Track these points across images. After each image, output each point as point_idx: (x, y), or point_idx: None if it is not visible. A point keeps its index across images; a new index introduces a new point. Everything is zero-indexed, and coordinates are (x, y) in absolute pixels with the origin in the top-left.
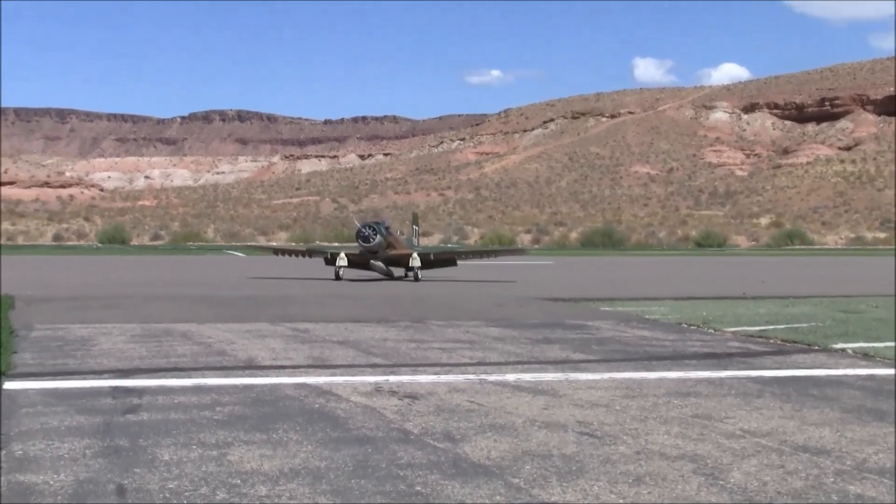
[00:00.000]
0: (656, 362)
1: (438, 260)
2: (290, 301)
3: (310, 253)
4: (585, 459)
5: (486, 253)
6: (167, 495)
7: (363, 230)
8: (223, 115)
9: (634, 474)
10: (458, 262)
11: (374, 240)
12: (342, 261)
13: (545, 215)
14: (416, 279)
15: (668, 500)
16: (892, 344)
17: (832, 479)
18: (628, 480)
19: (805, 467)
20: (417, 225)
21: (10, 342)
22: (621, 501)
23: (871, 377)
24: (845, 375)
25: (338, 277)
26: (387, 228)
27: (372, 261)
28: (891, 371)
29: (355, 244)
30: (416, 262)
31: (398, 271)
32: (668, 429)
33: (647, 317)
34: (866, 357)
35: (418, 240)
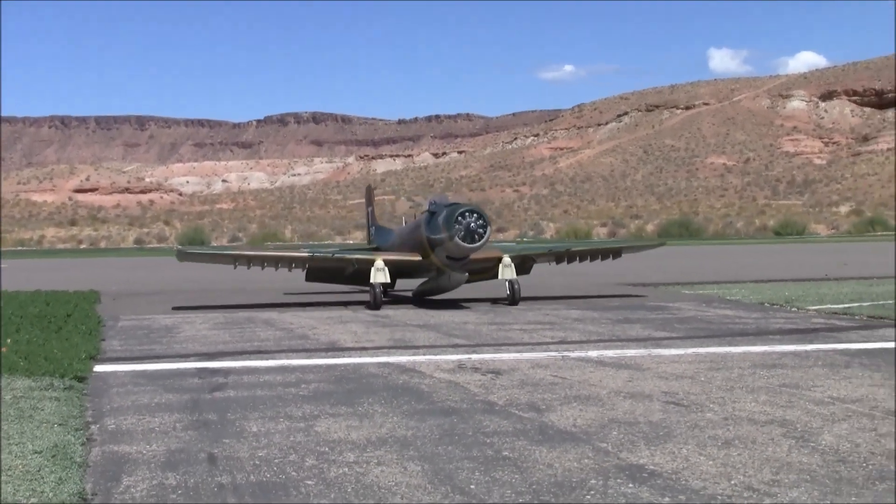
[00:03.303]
0: (740, 338)
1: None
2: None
3: (310, 261)
4: (672, 425)
5: (608, 251)
6: (257, 462)
7: (471, 218)
8: (298, 118)
9: (723, 438)
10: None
11: (485, 234)
12: (381, 274)
13: (621, 209)
14: (514, 300)
15: (758, 461)
16: None
17: None
18: (717, 444)
19: None
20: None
21: (98, 331)
22: (711, 462)
23: None
24: None
25: (378, 305)
26: None
27: (452, 272)
28: None
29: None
30: (509, 270)
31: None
32: (755, 397)
33: (728, 298)
34: None
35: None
